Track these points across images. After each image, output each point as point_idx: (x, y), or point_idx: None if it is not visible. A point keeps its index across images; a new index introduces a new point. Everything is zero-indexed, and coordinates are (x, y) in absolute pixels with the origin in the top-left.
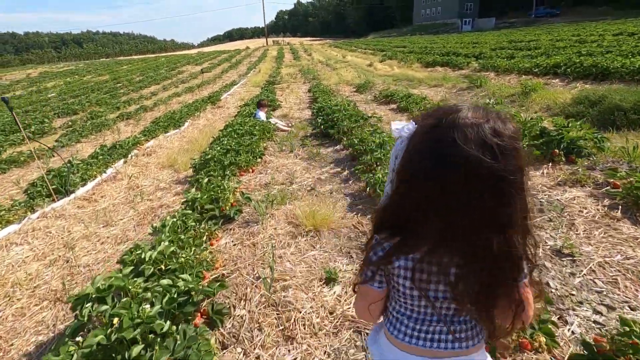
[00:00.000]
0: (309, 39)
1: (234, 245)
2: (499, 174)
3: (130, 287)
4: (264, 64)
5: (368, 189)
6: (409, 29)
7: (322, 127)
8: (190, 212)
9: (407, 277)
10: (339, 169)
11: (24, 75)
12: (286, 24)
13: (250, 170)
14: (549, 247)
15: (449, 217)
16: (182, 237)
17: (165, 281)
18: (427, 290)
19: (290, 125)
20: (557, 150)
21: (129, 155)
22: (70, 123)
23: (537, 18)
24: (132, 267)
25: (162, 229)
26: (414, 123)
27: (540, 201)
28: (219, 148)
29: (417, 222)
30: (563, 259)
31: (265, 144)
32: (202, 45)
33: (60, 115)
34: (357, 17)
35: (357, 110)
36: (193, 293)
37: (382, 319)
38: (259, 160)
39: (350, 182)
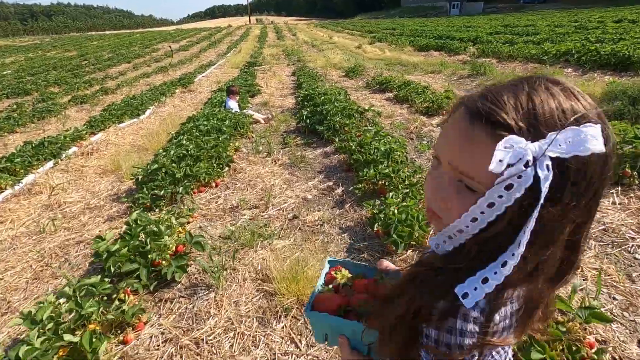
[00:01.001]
0: (294, 18)
1: (163, 343)
2: None
3: None
4: (245, 43)
5: (376, 226)
6: (397, 11)
7: (308, 121)
8: (95, 280)
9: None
10: (330, 183)
11: None
12: (270, 2)
13: (214, 183)
14: None
15: None
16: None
17: None
18: None
19: (270, 117)
20: (629, 170)
21: (62, 156)
22: (15, 106)
23: (526, 4)
24: None
25: (30, 325)
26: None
27: (635, 256)
28: (173, 152)
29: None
30: None
31: (237, 143)
32: (181, 22)
33: (10, 95)
34: None
35: (350, 101)
36: None
37: None
38: (226, 169)
39: (346, 205)
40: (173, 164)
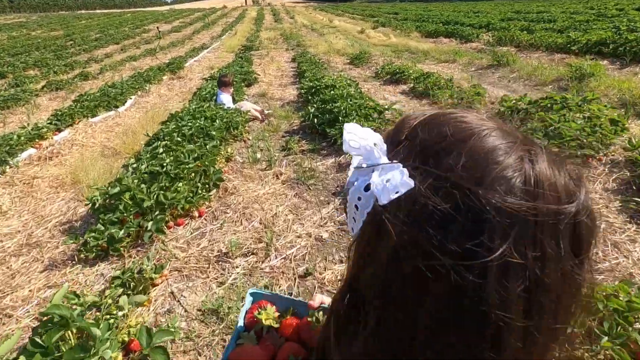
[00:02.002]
0: (291, 0)
1: None
2: None
3: None
4: (241, 25)
5: None
6: None
7: (315, 121)
8: None
9: None
10: None
11: None
12: None
13: (196, 212)
14: None
15: None
16: None
17: None
18: None
19: (268, 113)
20: None
21: (11, 163)
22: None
23: None
24: None
25: None
26: (402, 170)
27: None
28: (144, 166)
29: None
30: None
31: (229, 149)
32: (175, 2)
33: None
34: None
35: (365, 96)
36: None
37: None
38: (213, 191)
39: None
40: (142, 186)
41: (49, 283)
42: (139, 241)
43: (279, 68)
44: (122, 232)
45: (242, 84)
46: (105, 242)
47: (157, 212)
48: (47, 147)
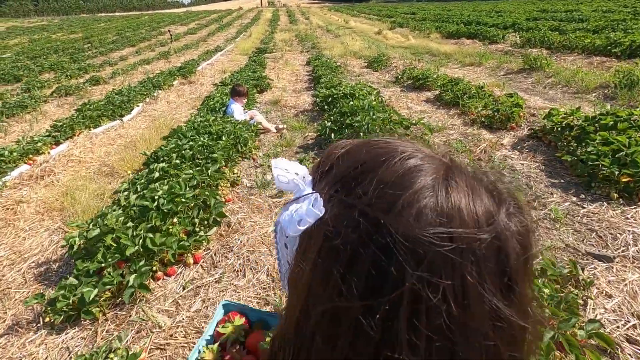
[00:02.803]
0: (307, 1)
1: None
2: None
3: None
4: (256, 27)
5: None
6: None
7: (332, 136)
8: None
9: None
10: None
11: None
12: None
13: (191, 258)
14: None
15: None
16: None
17: None
18: None
19: (282, 127)
20: None
21: None
22: (11, 93)
23: None
24: None
25: None
26: (312, 199)
27: None
28: (134, 199)
29: None
30: None
31: (236, 170)
32: (192, 4)
33: None
34: None
35: (388, 108)
36: None
37: None
38: (214, 229)
39: None
40: (129, 224)
41: (3, 357)
42: (120, 299)
43: (293, 72)
44: (95, 291)
45: (255, 90)
46: (77, 300)
47: (142, 262)
48: (40, 164)
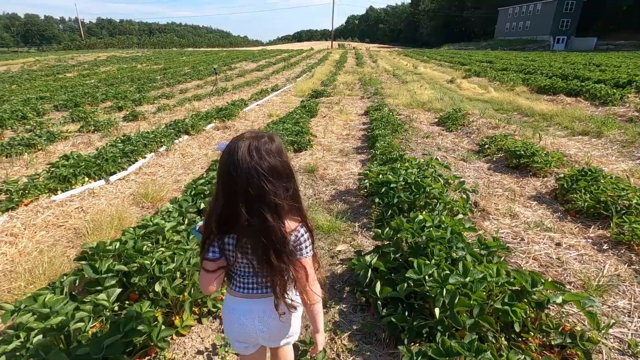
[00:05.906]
0: (376, 45)
1: None
2: (256, 170)
3: None
4: (321, 67)
5: None
6: (489, 43)
7: (387, 319)
8: None
9: (233, 248)
10: None
11: (93, 58)
12: (355, 29)
13: None
14: None
15: (240, 205)
16: None
17: None
18: (246, 254)
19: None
20: None
21: None
22: (50, 123)
23: None
24: None
25: None
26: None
27: None
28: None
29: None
30: None
31: None
32: (270, 43)
33: (60, 108)
34: (431, 27)
35: (495, 244)
36: None
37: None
38: None
39: None
40: None
41: None
42: None
43: (347, 123)
44: None
45: (290, 149)
46: None
47: None
48: (11, 229)
